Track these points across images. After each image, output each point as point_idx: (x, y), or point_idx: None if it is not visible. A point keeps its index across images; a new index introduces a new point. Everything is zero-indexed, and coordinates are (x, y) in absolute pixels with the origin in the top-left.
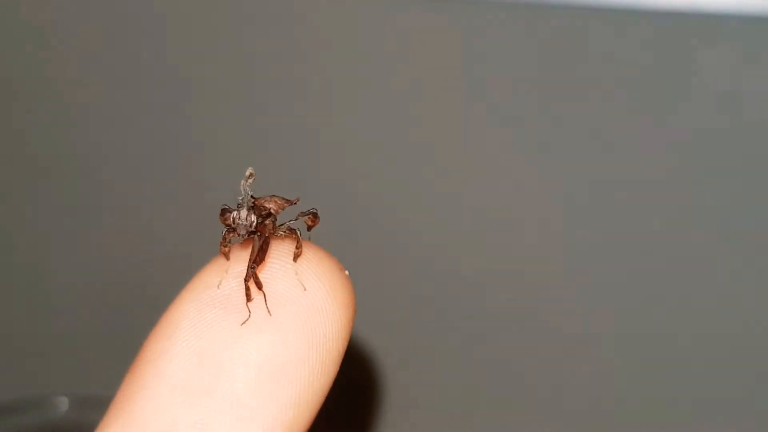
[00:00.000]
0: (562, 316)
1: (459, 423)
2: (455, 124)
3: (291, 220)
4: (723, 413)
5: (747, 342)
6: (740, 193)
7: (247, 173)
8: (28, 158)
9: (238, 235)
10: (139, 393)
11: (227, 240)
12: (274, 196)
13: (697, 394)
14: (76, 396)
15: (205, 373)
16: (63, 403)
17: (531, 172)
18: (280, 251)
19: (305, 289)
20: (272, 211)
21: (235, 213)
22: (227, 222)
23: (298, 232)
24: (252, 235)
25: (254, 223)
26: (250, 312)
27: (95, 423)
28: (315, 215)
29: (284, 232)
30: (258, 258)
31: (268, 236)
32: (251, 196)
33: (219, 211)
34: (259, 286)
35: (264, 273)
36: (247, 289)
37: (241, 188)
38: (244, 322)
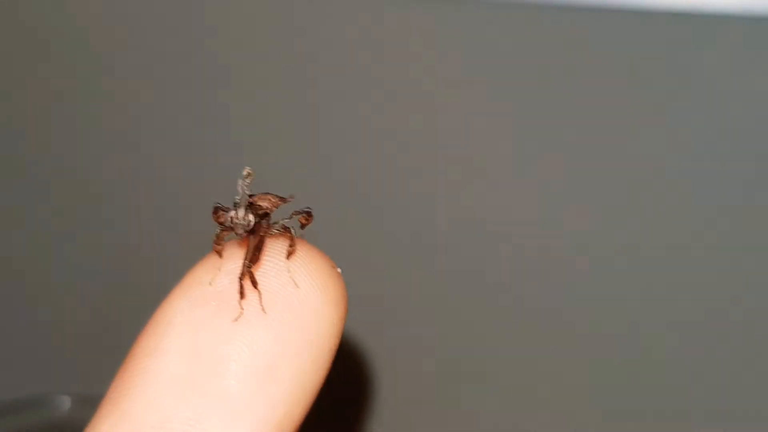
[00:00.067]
0: (558, 315)
1: (452, 422)
2: (453, 124)
3: (285, 219)
4: (724, 413)
5: (748, 342)
6: (740, 193)
7: (245, 173)
8: (28, 158)
9: (236, 234)
10: (131, 389)
11: (221, 238)
12: (267, 193)
13: (698, 394)
14: (79, 395)
15: (197, 370)
16: (65, 403)
17: (530, 172)
18: (273, 249)
19: (297, 287)
20: (266, 209)
21: (232, 212)
22: (220, 220)
23: (292, 231)
24: (248, 234)
25: (252, 223)
26: (242, 309)
27: None
28: (309, 214)
29: (278, 230)
30: (254, 257)
31: (263, 235)
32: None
33: (212, 209)
34: (255, 284)
35: (257, 270)
36: (242, 287)
37: (239, 188)
38: (236, 319)
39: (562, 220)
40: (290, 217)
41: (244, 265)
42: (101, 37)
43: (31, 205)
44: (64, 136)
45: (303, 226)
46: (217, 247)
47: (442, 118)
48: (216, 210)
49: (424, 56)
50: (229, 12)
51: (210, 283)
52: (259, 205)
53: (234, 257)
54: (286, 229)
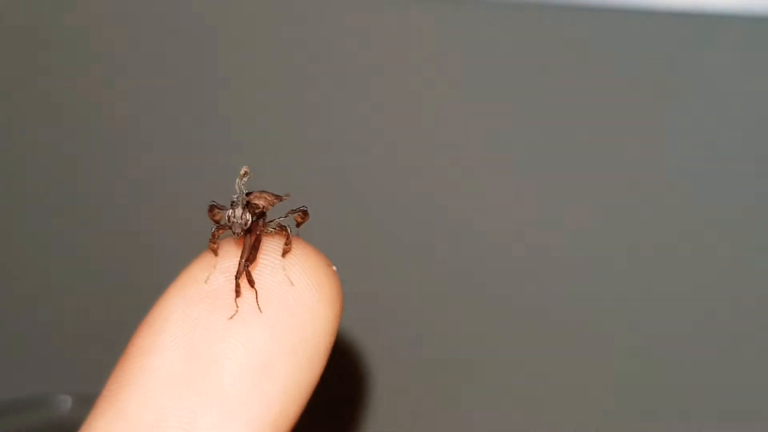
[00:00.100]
0: (558, 315)
1: (447, 421)
2: (453, 124)
3: (281, 217)
4: (724, 413)
5: (748, 342)
6: (740, 193)
7: (242, 172)
8: (27, 158)
9: (234, 233)
10: (126, 387)
11: (216, 237)
12: (263, 191)
13: (698, 394)
14: (80, 395)
15: (193, 368)
16: (66, 402)
17: (529, 172)
18: (269, 247)
19: (292, 285)
20: (263, 208)
21: (230, 211)
22: (216, 218)
23: (288, 229)
24: (245, 233)
25: (249, 222)
26: (237, 307)
27: None
28: (305, 212)
29: (274, 228)
30: (251, 256)
31: (259, 233)
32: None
33: (207, 208)
34: (252, 283)
35: (254, 270)
36: (238, 285)
37: (236, 187)
38: (231, 317)
39: (562, 220)
40: (286, 216)
41: (241, 264)
42: (99, 36)
43: (31, 205)
44: (63, 136)
45: (299, 225)
46: (212, 245)
47: (441, 118)
48: (211, 208)
49: (424, 56)
50: (228, 11)
51: (205, 281)
52: (256, 204)
53: (229, 255)
54: (282, 228)
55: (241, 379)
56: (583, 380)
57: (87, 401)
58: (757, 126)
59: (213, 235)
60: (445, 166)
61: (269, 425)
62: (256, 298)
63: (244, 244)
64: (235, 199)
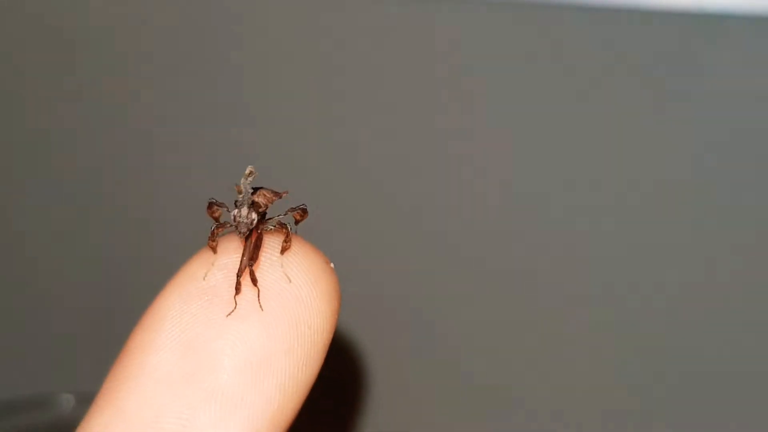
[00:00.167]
0: (557, 314)
1: (446, 419)
2: (452, 123)
3: (280, 215)
4: (724, 413)
5: (748, 342)
6: (741, 193)
7: (247, 171)
8: (27, 158)
9: (240, 233)
10: (124, 385)
11: (216, 234)
12: (262, 188)
13: (698, 394)
14: (83, 394)
15: (190, 365)
16: (69, 401)
17: (529, 172)
18: (268, 245)
19: (290, 281)
20: (263, 205)
21: (236, 211)
22: (215, 215)
23: (288, 227)
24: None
25: (255, 221)
26: (236, 304)
27: None
28: (304, 210)
29: (274, 226)
30: (254, 254)
31: (261, 232)
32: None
33: (206, 205)
34: (254, 281)
35: (257, 269)
36: (239, 283)
37: (241, 186)
38: (229, 314)
39: (562, 220)
40: (285, 214)
41: (243, 263)
42: (102, 36)
43: (31, 205)
44: (63, 136)
45: (297, 222)
46: (211, 242)
47: (441, 118)
48: (210, 205)
49: (424, 56)
50: (230, 11)
51: (204, 278)
52: (259, 203)
53: (228, 252)
54: (282, 226)
55: (239, 376)
56: (583, 380)
57: (90, 400)
58: (757, 126)
59: (212, 233)
60: (444, 165)
61: (267, 422)
62: (258, 296)
63: (246, 243)
64: (240, 199)
